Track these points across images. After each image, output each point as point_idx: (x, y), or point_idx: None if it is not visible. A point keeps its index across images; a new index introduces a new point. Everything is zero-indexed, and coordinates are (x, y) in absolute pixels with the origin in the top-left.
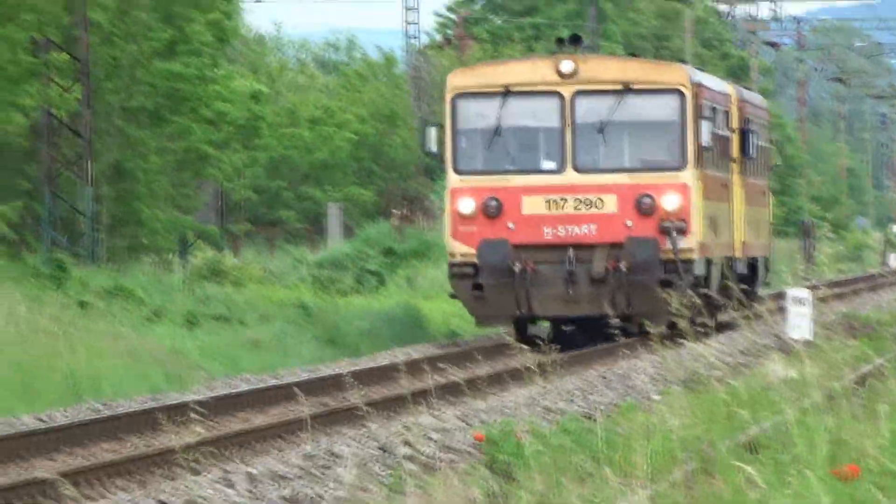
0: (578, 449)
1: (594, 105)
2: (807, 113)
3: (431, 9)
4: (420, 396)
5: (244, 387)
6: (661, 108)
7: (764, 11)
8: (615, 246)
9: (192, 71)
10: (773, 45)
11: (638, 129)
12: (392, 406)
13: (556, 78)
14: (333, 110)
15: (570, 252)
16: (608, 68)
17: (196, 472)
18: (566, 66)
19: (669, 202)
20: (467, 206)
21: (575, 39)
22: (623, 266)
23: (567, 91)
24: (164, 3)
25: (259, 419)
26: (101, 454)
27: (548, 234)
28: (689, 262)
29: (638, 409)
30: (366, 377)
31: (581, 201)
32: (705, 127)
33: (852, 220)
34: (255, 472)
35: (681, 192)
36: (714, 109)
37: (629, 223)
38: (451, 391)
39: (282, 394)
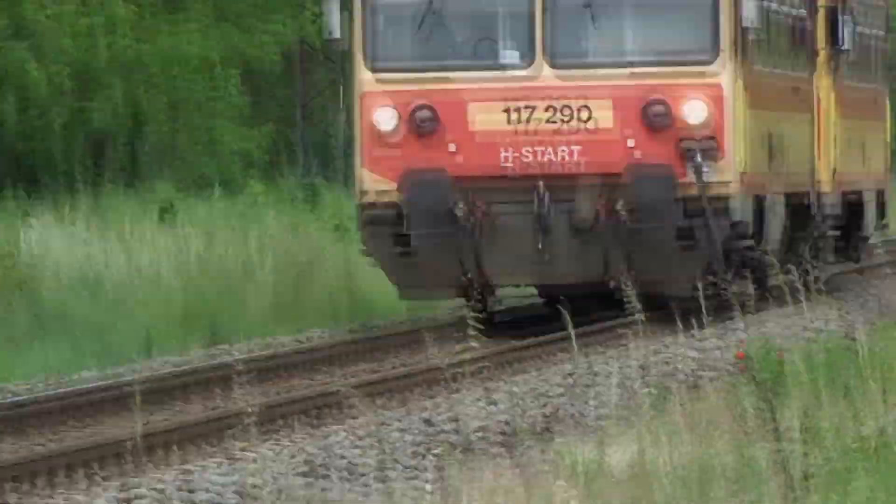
0: (838, 366)
1: None
2: None
3: None
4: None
5: None
6: None
7: None
8: (610, 178)
9: None
10: None
11: (646, 4)
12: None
13: None
14: None
15: (542, 188)
16: None
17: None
18: None
19: (693, 111)
20: (386, 118)
21: None
22: (622, 209)
23: None
24: None
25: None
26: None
27: (508, 162)
28: (723, 200)
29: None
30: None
31: (558, 111)
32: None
33: None
34: (517, 390)
35: (710, 96)
36: None
37: (631, 144)
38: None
39: None
